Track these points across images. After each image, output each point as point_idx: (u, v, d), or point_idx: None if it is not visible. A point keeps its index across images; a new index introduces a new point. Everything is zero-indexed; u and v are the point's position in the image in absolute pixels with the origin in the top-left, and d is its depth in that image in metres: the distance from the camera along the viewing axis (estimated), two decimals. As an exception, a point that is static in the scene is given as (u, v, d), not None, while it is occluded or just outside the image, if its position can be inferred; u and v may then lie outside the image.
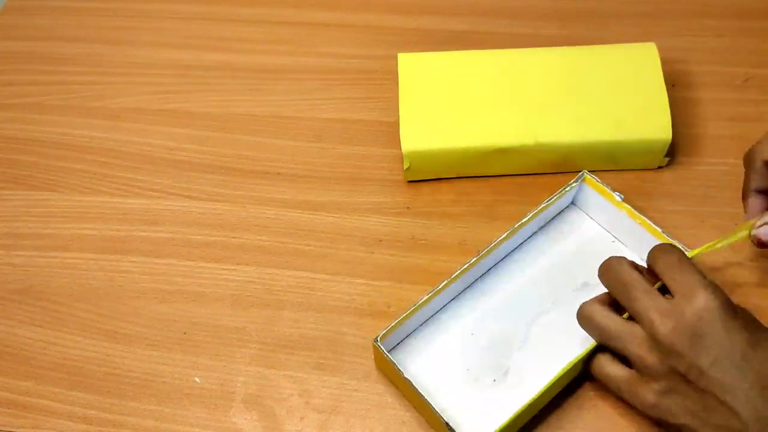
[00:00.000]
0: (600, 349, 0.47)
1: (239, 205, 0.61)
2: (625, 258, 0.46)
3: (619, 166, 0.60)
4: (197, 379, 0.52)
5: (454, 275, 0.51)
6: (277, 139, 0.65)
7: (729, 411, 0.40)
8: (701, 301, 0.41)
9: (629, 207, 0.53)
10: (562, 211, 0.58)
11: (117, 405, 0.51)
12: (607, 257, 0.47)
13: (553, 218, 0.57)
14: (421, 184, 0.61)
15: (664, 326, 0.42)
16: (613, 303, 0.47)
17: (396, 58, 0.61)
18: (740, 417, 0.40)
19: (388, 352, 0.49)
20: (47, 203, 0.62)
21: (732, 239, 0.49)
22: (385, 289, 0.56)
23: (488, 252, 0.52)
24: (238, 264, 0.58)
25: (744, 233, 0.49)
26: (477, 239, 0.57)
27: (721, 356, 0.40)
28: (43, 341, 0.55)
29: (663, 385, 0.43)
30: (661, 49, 0.67)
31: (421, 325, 0.53)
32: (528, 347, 0.51)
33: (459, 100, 0.59)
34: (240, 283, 0.57)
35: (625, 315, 0.46)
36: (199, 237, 0.60)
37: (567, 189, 0.55)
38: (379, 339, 0.48)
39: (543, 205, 0.54)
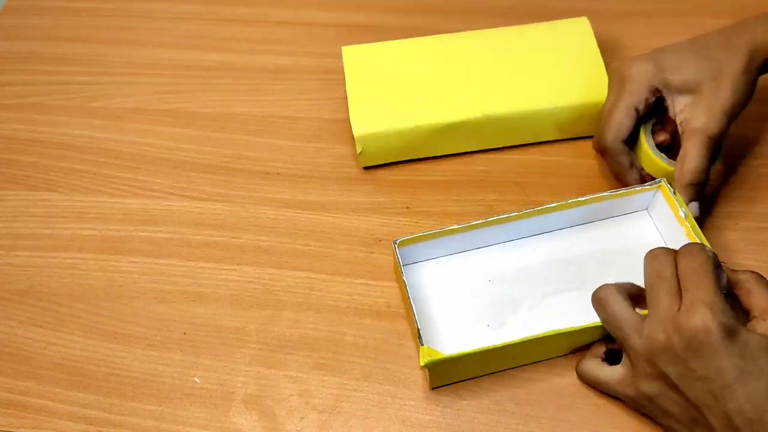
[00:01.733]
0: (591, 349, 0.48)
1: (239, 205, 0.61)
2: (670, 251, 0.45)
3: (565, 134, 0.62)
4: (197, 379, 0.52)
5: (491, 219, 0.52)
6: (277, 139, 0.65)
7: (724, 418, 0.40)
8: (699, 319, 0.40)
9: (688, 225, 0.52)
10: (634, 211, 0.57)
11: (117, 405, 0.51)
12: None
13: (621, 214, 0.57)
14: (418, 183, 0.61)
15: (663, 334, 0.42)
16: (633, 296, 0.47)
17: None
18: (733, 425, 0.40)
19: (405, 264, 0.51)
20: (47, 203, 0.62)
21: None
22: (385, 289, 0.56)
23: (536, 212, 0.53)
24: (238, 264, 0.58)
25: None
26: (477, 239, 0.57)
27: (710, 377, 0.40)
28: (43, 341, 0.55)
29: (654, 388, 0.43)
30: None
31: (446, 255, 0.54)
32: (534, 313, 0.52)
33: (406, 83, 0.61)
34: (240, 283, 0.57)
35: (643, 312, 0.45)
36: (199, 237, 0.60)
37: (639, 189, 0.54)
38: (397, 243, 0.50)
39: (611, 193, 0.54)
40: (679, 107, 0.54)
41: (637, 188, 0.54)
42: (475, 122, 0.60)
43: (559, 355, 0.51)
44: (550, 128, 0.62)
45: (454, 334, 0.52)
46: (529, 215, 0.53)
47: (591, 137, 0.60)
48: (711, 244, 0.46)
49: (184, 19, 0.76)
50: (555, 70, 0.61)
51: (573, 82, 0.61)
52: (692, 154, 0.52)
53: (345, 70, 0.62)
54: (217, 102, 0.69)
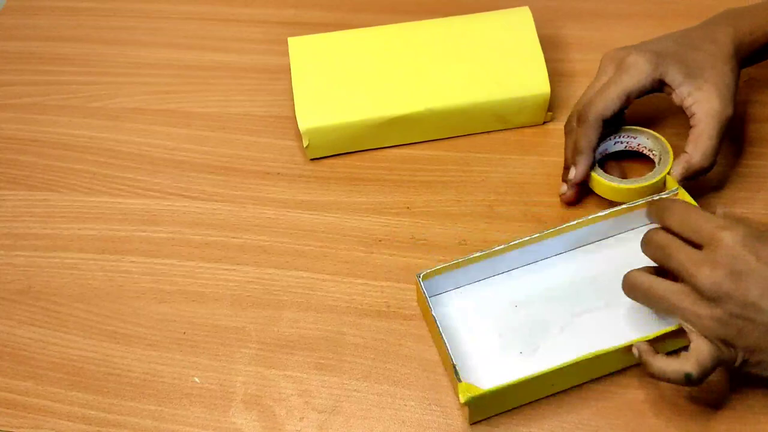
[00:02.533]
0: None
1: (239, 205, 0.61)
2: (653, 228, 0.46)
3: (508, 125, 0.64)
4: (197, 379, 0.52)
5: (513, 243, 0.51)
6: (277, 139, 0.65)
7: None
8: (728, 241, 0.41)
9: None
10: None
11: (117, 405, 0.51)
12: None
13: (640, 226, 0.56)
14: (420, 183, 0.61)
15: (703, 276, 0.41)
16: (658, 272, 0.47)
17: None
18: None
19: (430, 296, 0.50)
20: (47, 203, 0.62)
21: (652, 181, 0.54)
22: (385, 289, 0.56)
23: (558, 232, 0.52)
24: (237, 264, 0.58)
25: (660, 177, 0.54)
26: (477, 239, 0.57)
27: (767, 286, 0.40)
28: (43, 341, 0.55)
29: (726, 332, 0.42)
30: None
31: (470, 283, 0.53)
32: (565, 335, 0.51)
33: (350, 76, 0.62)
34: (240, 283, 0.57)
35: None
36: (198, 237, 0.60)
37: (656, 198, 0.53)
38: (421, 276, 0.49)
39: (629, 206, 0.53)
40: (685, 94, 0.54)
41: (654, 197, 0.53)
42: (419, 115, 0.61)
43: (600, 375, 0.49)
44: (491, 120, 0.63)
45: (487, 365, 0.50)
46: (551, 235, 0.52)
47: (534, 126, 0.63)
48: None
49: (183, 19, 0.76)
50: (496, 62, 0.62)
51: (513, 74, 0.62)
52: (706, 135, 0.52)
53: (291, 62, 0.63)
54: (217, 102, 0.69)
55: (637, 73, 0.54)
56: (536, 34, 0.63)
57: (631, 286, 0.46)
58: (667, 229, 0.45)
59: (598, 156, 0.57)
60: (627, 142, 0.58)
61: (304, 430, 0.50)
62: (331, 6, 0.75)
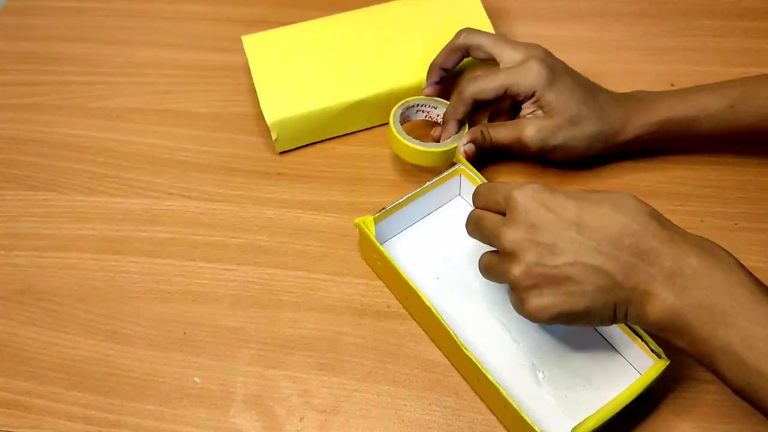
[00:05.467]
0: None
1: (239, 205, 0.61)
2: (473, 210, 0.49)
3: None
4: (197, 380, 0.52)
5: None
6: (277, 139, 0.65)
7: (592, 270, 0.42)
8: (518, 199, 0.44)
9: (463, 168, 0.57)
10: (450, 200, 0.60)
11: (117, 405, 0.51)
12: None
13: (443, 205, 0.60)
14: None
15: (504, 235, 0.44)
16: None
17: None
18: (603, 271, 0.42)
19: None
20: (47, 203, 0.62)
21: (445, 148, 0.58)
22: (385, 289, 0.56)
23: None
24: (238, 264, 0.58)
25: (451, 147, 0.58)
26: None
27: (560, 232, 0.43)
28: (43, 341, 0.55)
29: (536, 286, 0.43)
30: (660, 49, 0.67)
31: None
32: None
33: (310, 66, 0.64)
34: (240, 283, 0.57)
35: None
36: (199, 237, 0.60)
37: (444, 176, 0.57)
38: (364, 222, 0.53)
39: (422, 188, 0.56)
40: (526, 111, 0.57)
41: (442, 176, 0.57)
42: (383, 97, 0.63)
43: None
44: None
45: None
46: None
47: None
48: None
49: (184, 19, 0.76)
50: (448, 37, 0.62)
51: None
52: (501, 134, 0.58)
53: (248, 59, 0.64)
54: (217, 102, 0.69)
55: (524, 78, 0.56)
56: (484, 11, 0.66)
57: (479, 264, 0.49)
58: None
59: (401, 120, 0.59)
60: (427, 112, 0.61)
61: (304, 430, 0.50)
62: (332, 7, 0.75)
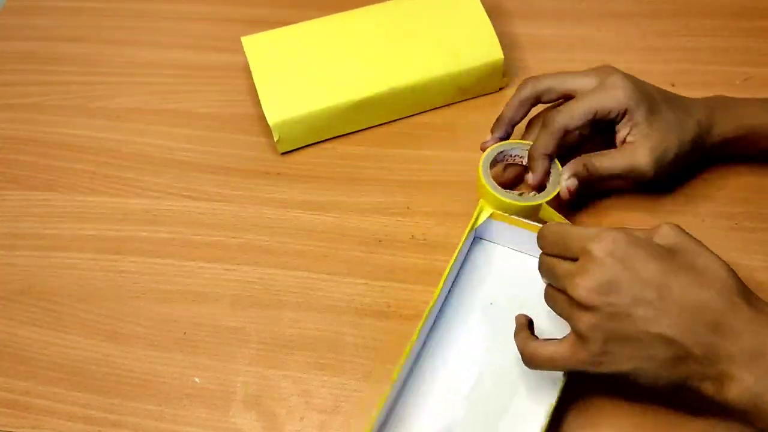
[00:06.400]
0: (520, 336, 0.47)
1: (239, 205, 0.61)
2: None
3: (467, 95, 0.66)
4: (197, 379, 0.52)
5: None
6: (277, 139, 0.65)
7: (665, 340, 0.41)
8: (595, 252, 0.42)
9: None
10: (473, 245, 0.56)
11: (117, 405, 0.51)
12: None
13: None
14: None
15: (576, 286, 0.42)
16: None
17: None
18: (677, 343, 0.40)
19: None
20: (47, 203, 0.62)
21: (545, 198, 0.53)
22: (385, 289, 0.56)
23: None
24: (238, 264, 0.58)
25: (551, 191, 0.53)
26: (477, 239, 0.57)
27: (638, 294, 0.41)
28: (43, 341, 0.55)
29: (599, 342, 0.42)
30: (660, 49, 0.67)
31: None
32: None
33: (311, 66, 0.64)
34: (240, 283, 0.57)
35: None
36: (199, 237, 0.60)
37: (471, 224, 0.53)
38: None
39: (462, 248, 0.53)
40: (626, 133, 0.54)
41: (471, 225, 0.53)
42: (383, 96, 0.63)
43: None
44: (452, 92, 0.65)
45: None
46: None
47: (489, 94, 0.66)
48: (711, 245, 0.46)
49: (184, 19, 0.76)
50: (448, 35, 0.64)
51: (467, 45, 0.64)
52: (612, 164, 0.54)
53: (249, 61, 0.64)
54: (217, 102, 0.69)
55: (613, 95, 0.53)
56: (481, 5, 0.66)
57: (545, 296, 0.47)
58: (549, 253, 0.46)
59: (498, 158, 0.56)
60: (508, 154, 0.57)
61: (304, 430, 0.50)
62: (331, 6, 0.75)
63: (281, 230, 0.60)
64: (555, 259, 0.45)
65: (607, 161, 0.54)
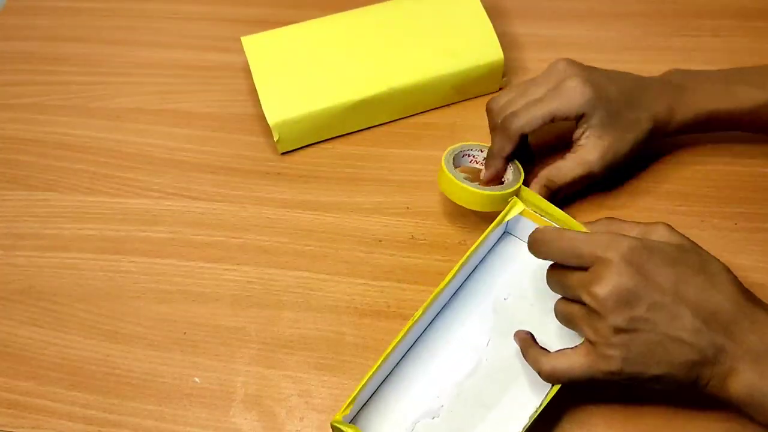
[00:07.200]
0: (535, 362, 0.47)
1: (239, 205, 0.61)
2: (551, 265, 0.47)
3: (467, 95, 0.67)
4: (197, 379, 0.52)
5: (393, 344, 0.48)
6: (277, 139, 0.65)
7: (685, 345, 0.41)
8: (611, 258, 0.42)
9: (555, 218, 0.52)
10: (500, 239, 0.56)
11: (117, 405, 0.51)
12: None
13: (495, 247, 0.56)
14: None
15: (595, 296, 0.42)
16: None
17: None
18: (695, 346, 0.41)
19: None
20: (47, 203, 0.62)
21: (508, 189, 0.53)
22: (385, 289, 0.56)
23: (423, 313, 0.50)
24: (238, 264, 0.58)
25: (515, 188, 0.53)
26: (476, 239, 0.57)
27: (656, 299, 0.41)
28: (43, 341, 0.55)
29: (620, 349, 0.42)
30: (660, 49, 0.67)
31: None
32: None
33: (311, 66, 0.64)
34: (240, 283, 0.57)
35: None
36: (199, 237, 0.60)
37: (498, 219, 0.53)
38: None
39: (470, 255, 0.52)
40: (581, 134, 0.55)
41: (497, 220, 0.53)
42: (383, 96, 0.63)
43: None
44: (451, 92, 0.65)
45: None
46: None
47: (489, 94, 0.66)
48: (711, 245, 0.46)
49: (184, 19, 0.76)
50: (448, 35, 0.65)
51: (466, 45, 0.64)
52: (567, 173, 0.55)
53: (249, 60, 0.64)
54: (217, 102, 0.69)
55: (567, 102, 0.53)
56: (482, 6, 0.66)
57: (556, 311, 0.47)
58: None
59: (458, 161, 0.57)
60: (473, 156, 0.58)
61: (304, 430, 0.50)
62: (331, 6, 0.75)
63: (281, 230, 0.60)
64: (564, 269, 0.45)
65: (563, 173, 0.55)
